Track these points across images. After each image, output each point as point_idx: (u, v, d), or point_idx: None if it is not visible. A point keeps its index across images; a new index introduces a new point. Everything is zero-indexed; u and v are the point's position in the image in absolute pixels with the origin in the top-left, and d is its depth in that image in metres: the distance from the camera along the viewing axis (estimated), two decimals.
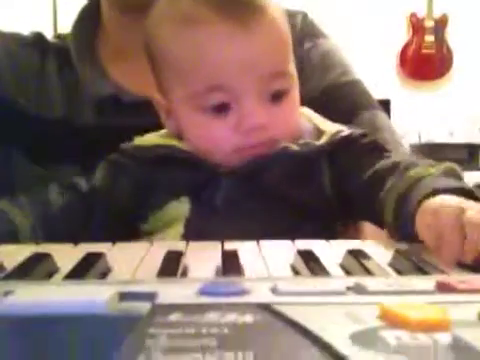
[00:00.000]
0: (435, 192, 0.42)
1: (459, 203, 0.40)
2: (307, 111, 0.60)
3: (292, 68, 0.55)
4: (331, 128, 0.56)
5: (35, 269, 0.38)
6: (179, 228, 0.53)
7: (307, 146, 0.54)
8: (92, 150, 0.67)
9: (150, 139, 0.58)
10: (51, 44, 0.76)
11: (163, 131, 0.60)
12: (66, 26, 0.80)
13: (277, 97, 0.53)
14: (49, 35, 0.80)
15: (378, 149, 0.56)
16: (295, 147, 0.54)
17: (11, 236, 0.52)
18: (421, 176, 0.46)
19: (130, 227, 0.56)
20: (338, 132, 0.55)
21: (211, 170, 0.54)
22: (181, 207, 0.54)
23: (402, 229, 0.45)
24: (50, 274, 0.39)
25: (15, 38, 0.76)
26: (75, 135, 0.70)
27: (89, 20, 0.75)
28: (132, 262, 0.41)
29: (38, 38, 0.77)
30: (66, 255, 0.44)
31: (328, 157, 0.55)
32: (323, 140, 0.55)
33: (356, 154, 0.54)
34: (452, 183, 0.44)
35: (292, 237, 0.46)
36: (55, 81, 0.72)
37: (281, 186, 0.53)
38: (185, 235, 0.53)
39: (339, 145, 0.55)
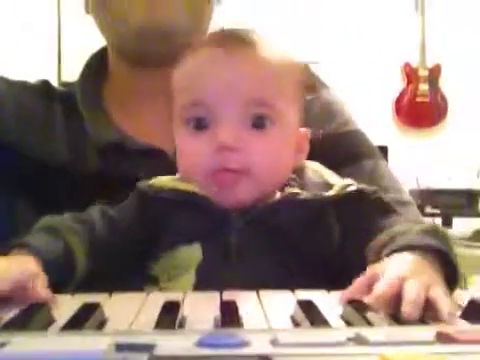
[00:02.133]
0: (409, 247, 0.44)
1: (410, 270, 0.41)
2: (316, 165, 0.60)
3: (281, 105, 0.55)
4: (339, 182, 0.56)
5: (32, 320, 0.38)
6: (191, 276, 0.53)
7: (315, 195, 0.54)
8: (95, 197, 0.67)
9: (166, 182, 0.58)
10: (57, 92, 0.78)
11: (177, 176, 0.59)
12: (70, 74, 0.81)
13: (259, 125, 0.54)
14: (53, 83, 0.81)
15: (385, 208, 0.56)
16: (304, 194, 0.54)
17: (69, 266, 0.51)
18: (402, 231, 0.48)
19: (137, 266, 0.56)
20: (346, 186, 0.55)
21: (222, 216, 0.53)
22: (193, 253, 0.53)
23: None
24: (47, 325, 0.38)
25: (22, 86, 0.77)
26: (78, 183, 0.70)
27: (96, 68, 0.77)
28: (129, 313, 0.40)
29: (45, 86, 0.78)
30: (62, 305, 0.43)
31: (335, 209, 0.55)
32: (332, 192, 0.55)
33: (366, 214, 0.55)
34: (430, 241, 0.45)
35: (304, 283, 0.46)
36: (60, 128, 0.73)
37: (291, 231, 0.53)
38: (197, 284, 0.52)
39: (348, 199, 0.55)
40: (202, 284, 0.52)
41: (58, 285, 0.47)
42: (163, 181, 0.58)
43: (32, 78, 0.81)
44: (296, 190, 0.55)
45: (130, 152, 0.69)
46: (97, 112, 0.73)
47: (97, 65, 0.77)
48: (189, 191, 0.55)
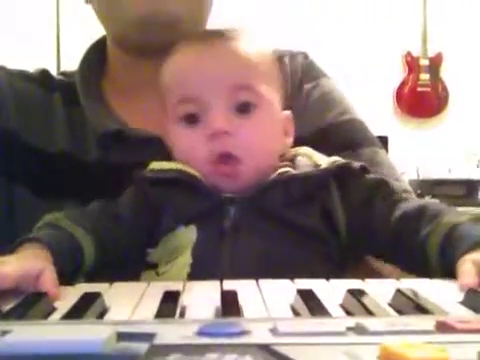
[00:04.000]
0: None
1: None
2: (306, 149, 0.61)
3: (263, 90, 0.58)
4: (328, 160, 0.58)
5: (32, 309, 0.38)
6: (187, 257, 0.54)
7: (305, 173, 0.57)
8: (94, 185, 0.68)
9: (163, 164, 0.60)
10: (56, 81, 0.78)
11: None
12: (69, 63, 0.81)
13: (244, 110, 0.57)
14: (52, 72, 0.81)
15: (386, 186, 0.58)
16: (294, 171, 0.56)
17: (75, 259, 0.51)
18: (458, 224, 0.49)
19: (139, 254, 0.56)
20: (334, 161, 0.58)
21: (217, 197, 0.56)
22: (188, 234, 0.55)
23: (447, 270, 0.47)
24: (47, 314, 0.39)
25: (21, 74, 0.77)
26: (78, 170, 0.70)
27: (95, 58, 0.77)
28: (129, 302, 0.40)
29: (44, 75, 0.78)
30: (63, 295, 0.43)
31: (338, 189, 0.57)
32: (321, 167, 0.57)
33: (366, 192, 0.57)
34: None
35: (300, 262, 0.47)
36: (60, 117, 0.73)
37: (284, 210, 0.55)
38: (193, 263, 0.54)
39: (343, 176, 0.57)
40: (198, 264, 0.53)
41: (67, 277, 0.47)
42: (162, 164, 0.60)
43: (31, 68, 0.80)
44: (287, 169, 0.57)
45: (129, 140, 0.69)
46: (96, 101, 0.73)
47: (96, 55, 0.77)
48: (186, 171, 0.57)
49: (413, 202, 0.56)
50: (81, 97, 0.73)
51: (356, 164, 0.58)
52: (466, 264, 0.44)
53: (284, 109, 0.62)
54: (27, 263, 0.44)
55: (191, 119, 0.57)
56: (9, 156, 0.71)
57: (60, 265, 0.47)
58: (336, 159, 0.58)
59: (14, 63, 0.81)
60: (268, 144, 0.58)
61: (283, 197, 0.55)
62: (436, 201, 0.57)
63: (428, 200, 0.59)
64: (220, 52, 0.59)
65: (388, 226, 0.54)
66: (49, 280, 0.43)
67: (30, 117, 0.73)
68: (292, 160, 0.60)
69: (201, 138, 0.56)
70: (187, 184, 0.56)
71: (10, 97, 0.73)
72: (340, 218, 0.56)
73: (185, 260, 0.54)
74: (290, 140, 0.62)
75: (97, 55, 0.77)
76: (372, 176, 0.59)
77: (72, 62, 0.80)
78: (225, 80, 0.57)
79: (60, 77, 0.79)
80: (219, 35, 0.61)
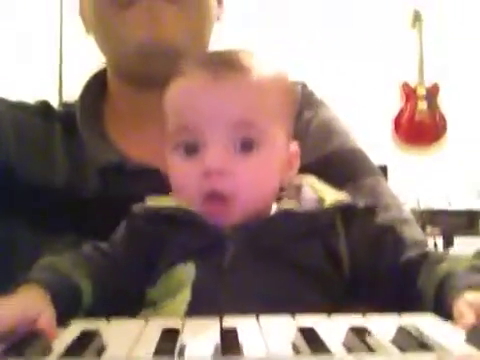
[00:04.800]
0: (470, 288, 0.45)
1: None
2: (311, 180, 0.60)
3: (270, 127, 0.56)
4: (332, 196, 0.57)
5: (29, 347, 0.37)
6: (186, 294, 0.53)
7: (308, 210, 0.55)
8: (94, 219, 0.67)
9: (160, 200, 0.58)
10: (57, 113, 0.78)
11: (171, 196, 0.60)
12: (71, 94, 0.82)
13: (246, 147, 0.55)
14: (55, 103, 0.81)
15: (394, 232, 0.57)
16: (297, 209, 0.54)
17: (74, 301, 0.50)
18: (452, 273, 0.48)
19: (136, 294, 0.55)
20: (339, 201, 0.56)
21: (216, 233, 0.54)
22: (188, 271, 0.53)
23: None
24: (45, 352, 0.38)
25: (21, 107, 0.77)
26: (77, 204, 0.70)
27: (95, 89, 0.77)
28: (128, 340, 0.40)
29: (44, 106, 0.78)
30: (60, 332, 0.43)
31: (344, 233, 0.55)
32: (325, 205, 0.55)
33: (373, 237, 0.56)
34: None
35: (301, 300, 0.46)
36: (60, 149, 0.73)
37: (285, 248, 0.53)
38: (192, 302, 0.52)
39: (349, 219, 0.55)
40: (197, 301, 0.52)
41: (66, 317, 0.46)
42: (159, 200, 0.58)
43: (33, 99, 0.81)
44: (290, 205, 0.55)
45: (129, 173, 0.69)
46: (96, 132, 0.73)
47: (97, 85, 0.77)
48: (183, 208, 0.55)
49: (417, 250, 0.54)
50: (81, 129, 0.73)
51: (361, 204, 0.57)
52: (461, 306, 0.43)
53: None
54: (26, 305, 0.43)
55: (188, 148, 0.55)
56: (8, 191, 0.71)
57: (59, 307, 0.46)
58: (341, 197, 0.57)
59: (16, 92, 0.81)
60: (265, 184, 0.56)
61: (284, 234, 0.53)
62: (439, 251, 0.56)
63: (431, 250, 0.58)
64: (226, 83, 0.55)
65: (392, 275, 0.53)
66: (47, 322, 0.43)
67: (29, 150, 0.73)
68: (295, 189, 0.59)
69: (195, 172, 0.54)
70: (186, 220, 0.55)
71: (9, 130, 0.73)
72: (344, 258, 0.54)
73: (184, 297, 0.52)
74: (293, 172, 0.60)
75: (98, 86, 0.77)
76: (380, 221, 0.58)
77: (74, 91, 0.80)
78: (229, 116, 0.54)
79: (60, 108, 0.80)
80: (228, 62, 0.56)
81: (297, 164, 0.61)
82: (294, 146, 0.60)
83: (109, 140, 0.73)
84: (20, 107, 0.77)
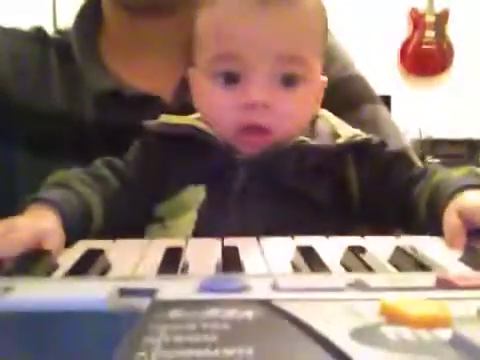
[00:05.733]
0: (464, 188, 0.46)
1: None
2: (326, 113, 0.60)
3: (313, 61, 0.55)
4: (347, 132, 0.57)
5: (35, 266, 0.38)
6: (192, 214, 0.54)
7: (322, 144, 0.55)
8: (92, 144, 0.67)
9: (174, 118, 0.57)
10: (52, 39, 0.76)
11: (195, 115, 0.59)
12: (66, 21, 0.79)
13: (289, 82, 0.53)
14: (49, 30, 0.79)
15: (405, 158, 0.57)
16: (311, 142, 0.54)
17: (84, 220, 0.51)
18: (446, 178, 0.50)
19: (146, 212, 0.56)
20: (354, 135, 0.56)
21: (229, 158, 0.54)
22: (197, 193, 0.54)
23: (434, 223, 0.47)
24: (50, 271, 0.39)
25: (16, 33, 0.76)
26: (76, 130, 0.69)
27: (90, 16, 0.75)
28: (132, 259, 0.41)
29: (39, 33, 0.76)
30: (66, 252, 0.44)
31: (355, 165, 0.55)
32: (339, 141, 0.55)
33: (384, 166, 0.56)
34: (475, 181, 0.47)
35: (305, 231, 0.46)
36: (56, 75, 0.72)
37: (294, 179, 0.53)
38: (198, 221, 0.53)
39: (361, 151, 0.55)
40: (204, 223, 0.53)
41: (75, 238, 0.47)
42: (172, 118, 0.57)
43: (27, 26, 0.78)
44: (303, 138, 0.54)
45: (127, 99, 0.68)
46: (93, 59, 0.71)
47: (91, 12, 0.75)
48: (200, 128, 0.55)
49: (417, 169, 0.55)
50: (77, 55, 0.71)
51: (376, 139, 0.57)
52: (451, 217, 0.44)
53: None
54: (35, 226, 0.44)
55: (229, 78, 0.53)
56: (6, 118, 0.70)
57: (69, 226, 0.47)
58: (356, 133, 0.56)
59: (9, 21, 0.79)
60: (303, 117, 0.56)
61: (295, 166, 0.53)
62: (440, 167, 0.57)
63: (435, 165, 0.58)
64: (276, 13, 0.52)
65: (399, 198, 0.54)
66: (56, 242, 0.43)
67: (26, 77, 0.72)
68: (312, 122, 0.58)
69: (235, 102, 0.52)
70: (200, 141, 0.54)
71: (4, 56, 0.72)
72: (355, 191, 0.55)
73: (191, 217, 0.53)
74: (319, 105, 0.59)
75: (92, 11, 0.75)
76: (391, 150, 0.57)
77: (69, 18, 0.78)
78: (276, 46, 0.52)
79: (55, 35, 0.78)
80: None
81: (322, 96, 0.59)
82: (323, 79, 0.59)
83: (106, 67, 0.71)
84: (15, 33, 0.76)
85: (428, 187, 0.51)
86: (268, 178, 0.53)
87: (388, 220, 0.57)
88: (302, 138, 0.54)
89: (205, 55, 0.54)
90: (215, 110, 0.54)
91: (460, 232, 0.43)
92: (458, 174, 0.50)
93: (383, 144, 0.57)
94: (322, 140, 0.55)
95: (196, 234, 0.53)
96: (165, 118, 0.57)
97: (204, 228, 0.53)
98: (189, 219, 0.54)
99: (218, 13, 0.54)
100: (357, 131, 0.57)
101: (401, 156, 0.58)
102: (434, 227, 0.47)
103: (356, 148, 0.55)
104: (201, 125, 0.55)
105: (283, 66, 0.53)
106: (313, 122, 0.58)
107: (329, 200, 0.54)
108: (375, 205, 0.55)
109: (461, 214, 0.44)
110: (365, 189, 0.55)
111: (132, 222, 0.55)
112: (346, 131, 0.56)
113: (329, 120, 0.59)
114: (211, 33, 0.54)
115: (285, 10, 0.52)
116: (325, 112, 0.60)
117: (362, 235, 0.47)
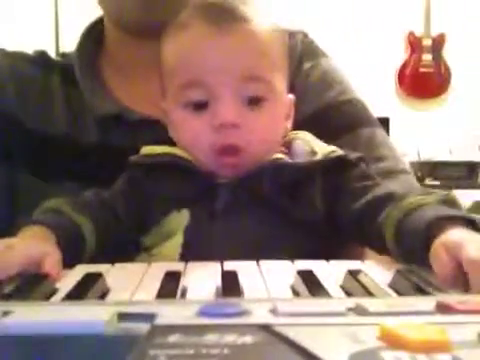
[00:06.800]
0: (439, 220, 0.44)
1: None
2: (304, 134, 0.61)
3: (275, 79, 0.57)
4: (323, 149, 0.58)
5: (34, 289, 0.38)
6: (179, 238, 0.55)
7: (297, 162, 0.56)
8: (94, 168, 0.67)
9: (155, 148, 0.59)
10: (55, 62, 0.77)
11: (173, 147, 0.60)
12: (68, 45, 0.80)
13: (254, 103, 0.55)
14: (52, 53, 0.80)
15: (370, 178, 0.57)
16: (287, 160, 0.56)
17: (77, 245, 0.51)
18: (418, 205, 0.48)
19: (131, 244, 0.57)
20: (330, 152, 0.57)
21: (209, 181, 0.55)
22: (181, 217, 0.55)
23: (406, 254, 0.46)
24: (49, 295, 0.39)
25: (19, 56, 0.77)
26: (77, 153, 0.70)
27: (93, 39, 0.76)
28: (131, 283, 0.41)
29: (42, 56, 0.77)
30: (65, 275, 0.44)
31: (322, 176, 0.56)
32: (316, 158, 0.56)
33: (348, 178, 0.56)
34: (453, 212, 0.45)
35: (288, 249, 0.47)
36: (59, 99, 0.73)
37: (274, 197, 0.55)
38: (184, 244, 0.54)
39: (332, 166, 0.56)
40: (190, 245, 0.54)
41: (68, 262, 0.47)
42: (153, 149, 0.59)
43: (30, 49, 0.79)
44: (280, 156, 0.56)
45: (128, 123, 0.69)
46: (95, 83, 0.72)
47: (94, 35, 0.76)
48: (178, 155, 0.57)
49: (383, 188, 0.54)
50: (79, 79, 0.72)
51: (353, 156, 0.57)
52: (440, 253, 0.41)
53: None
54: (32, 248, 0.44)
55: (198, 104, 0.56)
56: (9, 140, 0.71)
57: (64, 250, 0.47)
58: (333, 149, 0.57)
59: (13, 45, 0.80)
60: (274, 135, 0.58)
61: (272, 183, 0.55)
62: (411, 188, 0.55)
63: (397, 190, 0.57)
64: (233, 36, 0.55)
65: (353, 212, 0.53)
66: (53, 264, 0.43)
67: (29, 100, 0.72)
68: (289, 144, 0.60)
69: (207, 127, 0.55)
70: (179, 168, 0.56)
71: (10, 80, 0.73)
72: (318, 206, 0.55)
73: (177, 240, 0.54)
74: (290, 124, 0.61)
75: (95, 36, 0.76)
76: (363, 166, 0.57)
77: (71, 42, 0.79)
78: (238, 69, 0.55)
79: (58, 58, 0.79)
80: (230, 13, 0.56)
81: (293, 114, 0.61)
82: (290, 96, 0.61)
83: (108, 90, 0.72)
84: (18, 56, 0.76)
85: (397, 211, 0.49)
86: (248, 197, 0.55)
87: (351, 238, 0.57)
88: (278, 156, 0.56)
89: (172, 85, 0.58)
90: (189, 136, 0.57)
91: (452, 269, 0.40)
92: (432, 200, 0.49)
93: (361, 160, 0.58)
94: (299, 159, 0.57)
95: (183, 258, 0.53)
96: (147, 150, 0.59)
97: (191, 250, 0.54)
98: (176, 243, 0.55)
99: (181, 42, 0.57)
100: (332, 148, 0.58)
101: (365, 174, 0.57)
102: (403, 252, 0.46)
103: (333, 164, 0.56)
104: (181, 153, 0.57)
105: (246, 87, 0.55)
106: (291, 142, 0.60)
107: (304, 215, 0.55)
108: (336, 221, 0.55)
109: (448, 250, 0.41)
110: (328, 202, 0.55)
111: (119, 252, 0.55)
112: (321, 148, 0.58)
113: (307, 141, 0.60)
114: (174, 62, 0.57)
115: (238, 30, 0.55)
116: (303, 134, 0.61)
117: (353, 252, 0.47)
